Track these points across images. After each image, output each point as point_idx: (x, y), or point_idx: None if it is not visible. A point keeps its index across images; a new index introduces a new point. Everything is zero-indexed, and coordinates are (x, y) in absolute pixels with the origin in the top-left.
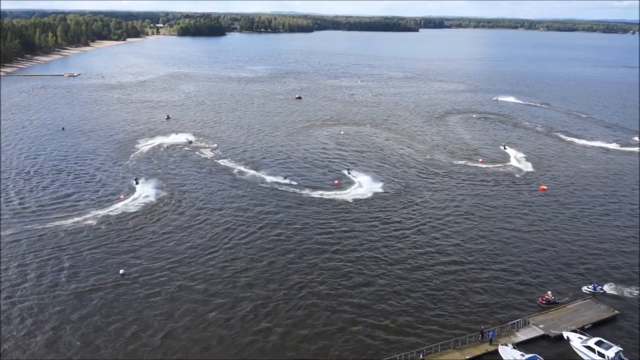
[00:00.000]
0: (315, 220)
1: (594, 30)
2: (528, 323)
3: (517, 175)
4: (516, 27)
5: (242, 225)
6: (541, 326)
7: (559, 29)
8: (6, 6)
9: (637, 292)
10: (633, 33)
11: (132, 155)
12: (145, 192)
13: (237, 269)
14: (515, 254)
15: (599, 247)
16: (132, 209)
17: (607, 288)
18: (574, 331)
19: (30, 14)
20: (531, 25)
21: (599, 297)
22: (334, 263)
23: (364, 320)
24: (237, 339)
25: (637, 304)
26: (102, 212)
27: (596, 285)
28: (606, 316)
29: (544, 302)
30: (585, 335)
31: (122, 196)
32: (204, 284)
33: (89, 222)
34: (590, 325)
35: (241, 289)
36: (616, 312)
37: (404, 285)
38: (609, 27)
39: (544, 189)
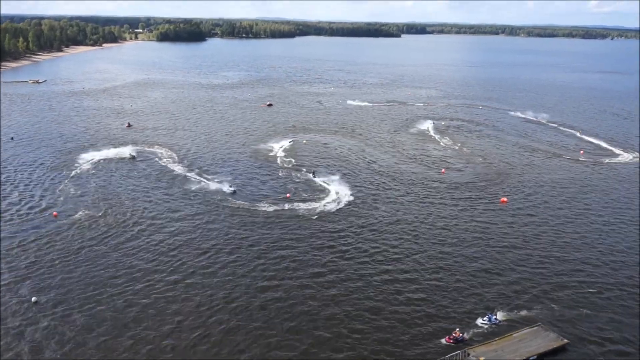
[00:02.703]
0: (261, 237)
1: (573, 36)
2: (468, 355)
3: (480, 187)
4: (497, 33)
5: (184, 245)
6: (482, 359)
7: (539, 35)
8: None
9: (586, 317)
10: (612, 39)
11: (78, 167)
12: (84, 206)
13: (169, 298)
14: (459, 275)
15: (551, 268)
16: (66, 227)
17: (556, 313)
18: None
19: (7, 18)
20: (512, 31)
21: (547, 324)
22: (269, 294)
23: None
24: None
25: (587, 332)
26: (30, 231)
27: (490, 315)
28: (554, 346)
29: (451, 340)
30: None
31: (54, 213)
32: (134, 323)
33: (14, 240)
34: (535, 357)
35: (167, 322)
36: (565, 341)
37: (335, 315)
38: (588, 33)
39: (504, 202)
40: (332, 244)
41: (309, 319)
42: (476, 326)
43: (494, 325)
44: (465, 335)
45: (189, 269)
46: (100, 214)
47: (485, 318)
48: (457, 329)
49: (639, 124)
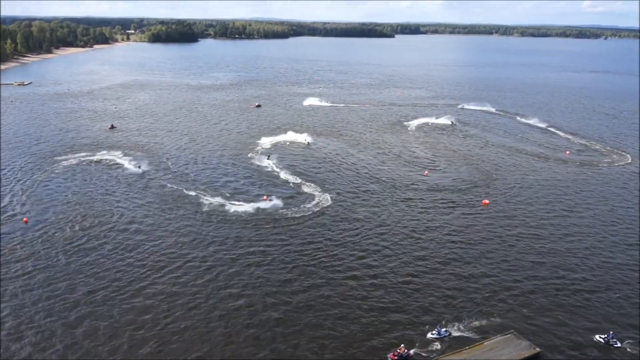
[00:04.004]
0: (233, 240)
1: (567, 36)
2: None
3: (462, 189)
4: (491, 33)
5: (158, 255)
6: None
7: (532, 35)
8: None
9: (559, 324)
10: (605, 38)
11: (54, 170)
12: (56, 212)
13: (135, 316)
14: (430, 281)
15: (528, 272)
16: (36, 233)
17: (531, 319)
18: None
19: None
20: (506, 31)
21: (521, 330)
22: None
23: None
24: None
25: (561, 340)
26: None
27: (440, 328)
28: (526, 355)
29: (395, 357)
30: None
31: (25, 219)
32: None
33: None
34: None
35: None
36: (538, 349)
37: (290, 330)
38: (581, 33)
39: (486, 204)
40: (303, 247)
41: (250, 324)
42: (427, 341)
43: (438, 340)
44: (411, 352)
45: (155, 274)
46: (73, 221)
47: (434, 331)
48: (402, 345)
49: (639, 124)
